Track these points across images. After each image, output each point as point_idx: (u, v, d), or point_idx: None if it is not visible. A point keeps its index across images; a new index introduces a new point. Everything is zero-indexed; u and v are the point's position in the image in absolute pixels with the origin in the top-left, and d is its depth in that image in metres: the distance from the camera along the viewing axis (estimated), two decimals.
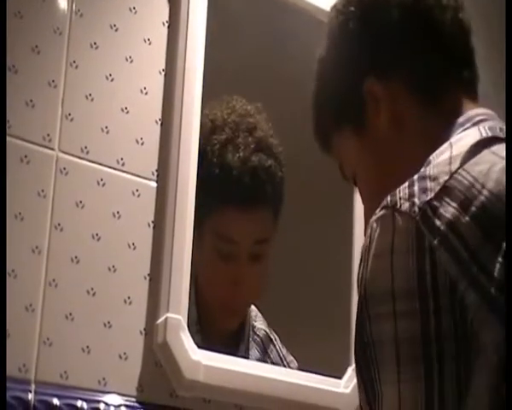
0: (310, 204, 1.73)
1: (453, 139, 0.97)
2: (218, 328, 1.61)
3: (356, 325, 0.89)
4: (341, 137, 1.12)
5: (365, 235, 0.90)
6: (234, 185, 1.57)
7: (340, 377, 1.62)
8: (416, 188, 0.87)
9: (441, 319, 0.82)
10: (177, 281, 1.43)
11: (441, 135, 1.00)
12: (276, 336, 1.68)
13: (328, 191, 1.69)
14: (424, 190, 0.86)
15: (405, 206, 0.86)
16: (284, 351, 1.67)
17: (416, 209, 0.85)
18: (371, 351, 0.86)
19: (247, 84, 1.75)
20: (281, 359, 1.68)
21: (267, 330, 1.67)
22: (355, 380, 1.61)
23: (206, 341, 1.53)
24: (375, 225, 0.88)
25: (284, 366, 1.66)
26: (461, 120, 1.02)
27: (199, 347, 1.45)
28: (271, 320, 1.71)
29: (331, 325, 1.74)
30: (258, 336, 1.66)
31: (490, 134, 0.95)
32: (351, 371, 1.63)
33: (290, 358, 1.69)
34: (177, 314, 1.42)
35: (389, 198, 0.88)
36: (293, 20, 1.78)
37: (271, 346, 1.66)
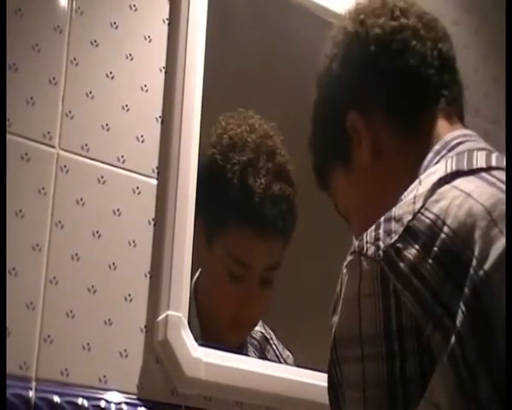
0: (309, 205, 1.73)
1: (422, 176, 0.98)
2: (221, 341, 1.61)
3: (328, 369, 0.91)
4: (333, 176, 1.15)
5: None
6: (254, 211, 1.56)
7: None
8: (381, 231, 0.89)
9: (406, 362, 0.83)
10: (177, 278, 1.43)
11: (419, 162, 1.03)
12: (272, 333, 1.68)
13: (325, 199, 1.69)
14: (389, 233, 0.88)
15: (371, 250, 0.88)
16: (280, 348, 1.67)
17: (381, 253, 0.87)
18: (342, 393, 0.89)
19: (248, 81, 1.75)
20: (277, 357, 1.68)
21: (263, 331, 1.67)
22: None
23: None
24: (344, 270, 0.90)
25: (281, 363, 1.66)
26: (437, 147, 1.04)
27: (199, 344, 1.45)
28: (271, 318, 1.71)
29: (328, 320, 1.74)
30: (255, 339, 1.66)
31: (454, 168, 0.96)
32: None
33: (286, 353, 1.70)
34: (177, 312, 1.42)
35: (357, 243, 0.90)
36: (294, 18, 1.78)
37: (268, 346, 1.67)
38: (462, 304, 0.83)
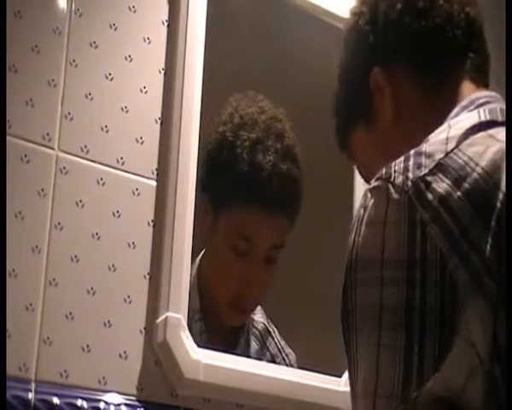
0: (311, 200, 1.73)
1: (452, 121, 0.98)
2: (222, 322, 1.61)
3: (342, 291, 0.89)
4: (355, 134, 1.15)
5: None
6: (263, 187, 1.58)
7: (340, 376, 1.62)
8: (410, 163, 0.89)
9: (426, 291, 0.83)
10: (177, 280, 1.43)
11: (443, 119, 1.01)
12: (275, 329, 1.69)
13: (328, 190, 1.70)
14: (419, 166, 0.88)
15: (399, 179, 0.87)
16: (282, 343, 1.68)
17: (410, 183, 0.86)
18: (353, 316, 0.87)
19: (247, 83, 1.75)
20: (279, 350, 1.68)
21: (266, 323, 1.68)
22: None
23: (206, 331, 1.53)
24: (369, 194, 0.90)
25: (283, 359, 1.66)
26: (464, 103, 1.03)
27: (198, 346, 1.45)
28: (272, 318, 1.71)
29: (331, 323, 1.74)
30: (256, 329, 1.67)
31: (488, 117, 0.96)
32: None
33: (288, 350, 1.70)
34: (177, 313, 1.42)
35: (384, 170, 0.90)
36: (293, 19, 1.78)
37: (270, 339, 1.67)
38: (489, 238, 0.83)
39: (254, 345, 1.66)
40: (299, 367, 1.62)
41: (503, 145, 0.89)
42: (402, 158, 0.90)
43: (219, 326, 1.60)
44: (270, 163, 1.58)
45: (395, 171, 0.89)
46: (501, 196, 0.85)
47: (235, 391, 1.47)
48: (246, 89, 1.73)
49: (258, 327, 1.67)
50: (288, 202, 1.62)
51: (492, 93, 1.05)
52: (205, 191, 1.59)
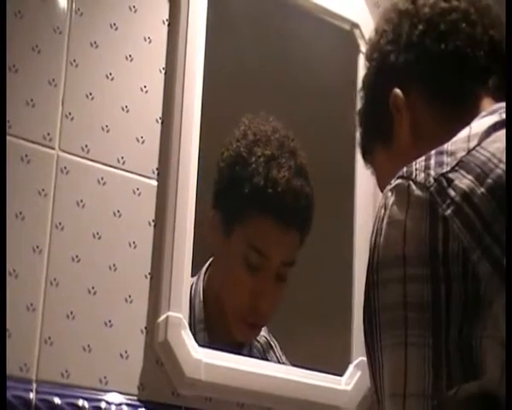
0: None
1: (473, 123, 0.98)
2: (231, 337, 1.60)
3: (365, 292, 0.89)
4: (376, 152, 1.16)
5: (379, 204, 0.91)
6: (277, 201, 1.59)
7: (341, 375, 1.63)
8: (432, 161, 0.89)
9: (451, 286, 0.83)
10: (177, 279, 1.43)
11: None
12: (276, 343, 1.68)
13: (328, 191, 1.70)
14: (440, 164, 0.88)
15: (421, 176, 0.87)
16: (284, 358, 1.67)
17: (432, 180, 0.86)
18: (377, 317, 0.87)
19: (247, 82, 1.74)
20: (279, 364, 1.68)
21: (267, 337, 1.67)
22: (356, 377, 1.63)
23: (209, 343, 1.52)
24: (389, 194, 0.90)
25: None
26: (484, 113, 1.03)
27: (200, 345, 1.45)
28: (272, 318, 1.70)
29: (332, 322, 1.74)
30: (258, 342, 1.66)
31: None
32: (351, 368, 1.63)
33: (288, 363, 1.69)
34: (178, 313, 1.42)
35: (405, 169, 0.90)
36: (294, 18, 1.77)
37: (271, 352, 1.66)
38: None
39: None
40: (300, 366, 1.62)
41: None
42: (423, 157, 0.90)
43: (223, 338, 1.59)
44: (285, 179, 1.60)
45: (416, 169, 0.89)
46: None
47: (236, 390, 1.47)
48: (246, 88, 1.73)
49: (260, 340, 1.67)
50: (301, 218, 1.64)
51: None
52: (216, 207, 1.62)
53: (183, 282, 1.44)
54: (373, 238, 0.89)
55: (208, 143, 1.53)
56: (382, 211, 0.89)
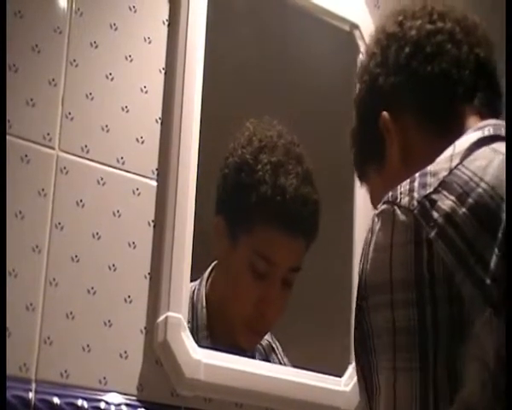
0: None
1: (458, 141, 0.99)
2: (235, 343, 1.60)
3: (355, 316, 0.91)
4: (369, 172, 1.18)
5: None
6: (286, 209, 1.58)
7: (340, 376, 1.63)
8: (416, 184, 0.90)
9: (437, 309, 0.84)
10: (177, 280, 1.43)
11: None
12: (278, 345, 1.68)
13: (328, 193, 1.69)
14: (424, 186, 0.89)
15: (405, 200, 0.89)
16: (286, 360, 1.67)
17: (415, 203, 0.88)
18: (371, 341, 0.88)
19: (247, 82, 1.75)
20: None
21: (270, 340, 1.67)
22: (355, 378, 1.62)
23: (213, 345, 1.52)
24: (376, 219, 0.91)
25: None
26: (470, 130, 1.04)
27: (199, 345, 1.45)
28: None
29: (331, 323, 1.74)
30: (260, 344, 1.66)
31: (492, 133, 0.98)
32: (351, 369, 1.63)
33: (280, 358, 1.69)
34: (177, 313, 1.42)
35: (390, 193, 0.91)
36: (294, 19, 1.78)
37: (273, 355, 1.66)
38: (496, 249, 0.84)
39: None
40: (300, 367, 1.62)
41: (505, 158, 0.90)
42: (408, 180, 0.92)
43: (226, 345, 1.58)
44: (293, 186, 1.59)
45: (401, 193, 0.90)
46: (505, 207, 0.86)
47: (235, 391, 1.47)
48: (246, 89, 1.73)
49: (263, 343, 1.67)
50: (309, 225, 1.63)
51: (501, 121, 1.06)
52: (221, 213, 1.61)
53: (183, 282, 1.44)
54: (361, 264, 0.91)
55: (208, 144, 1.53)
56: (369, 236, 0.91)
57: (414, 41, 1.12)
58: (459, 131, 1.05)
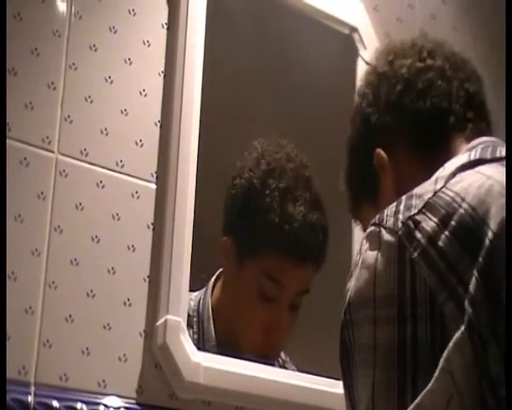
0: None
1: (446, 164, 1.01)
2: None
3: (340, 332, 0.92)
4: (363, 210, 1.19)
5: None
6: (294, 238, 1.56)
7: (339, 379, 1.62)
8: (401, 206, 0.92)
9: (417, 327, 0.85)
10: (176, 283, 1.43)
11: None
12: (287, 359, 1.67)
13: (326, 198, 1.69)
14: (409, 207, 0.91)
15: (390, 221, 0.91)
16: (288, 361, 1.67)
17: (400, 224, 0.90)
18: (352, 357, 0.90)
19: (247, 86, 1.75)
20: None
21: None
22: None
23: None
24: (364, 241, 0.93)
25: None
26: (460, 153, 1.07)
27: (198, 348, 1.45)
28: None
29: (330, 326, 1.74)
30: None
31: (477, 156, 1.00)
32: None
33: (292, 367, 1.69)
34: (176, 316, 1.42)
35: (378, 216, 0.93)
36: (293, 22, 1.78)
37: (275, 362, 1.66)
38: (475, 271, 0.85)
39: None
40: (299, 370, 1.62)
41: (488, 180, 0.92)
42: (395, 203, 0.94)
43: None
44: (301, 214, 1.57)
45: (387, 215, 0.92)
46: (490, 234, 0.87)
47: (235, 394, 1.47)
48: (245, 92, 1.73)
49: None
50: (317, 251, 1.62)
51: (487, 138, 1.09)
52: (228, 234, 1.60)
53: (182, 285, 1.44)
54: (348, 282, 0.93)
55: (207, 147, 1.53)
56: (358, 257, 0.93)
57: (405, 79, 1.15)
58: (450, 156, 1.06)
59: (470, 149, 1.04)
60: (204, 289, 1.60)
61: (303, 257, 1.59)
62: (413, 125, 1.13)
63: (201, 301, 1.59)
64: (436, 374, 0.83)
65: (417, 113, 1.13)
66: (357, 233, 1.70)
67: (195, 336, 1.51)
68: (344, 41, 1.82)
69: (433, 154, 1.11)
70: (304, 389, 1.56)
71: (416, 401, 0.83)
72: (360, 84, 1.22)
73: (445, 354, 0.83)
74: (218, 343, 1.56)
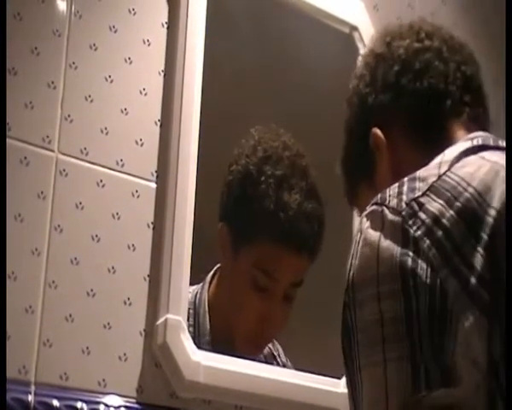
0: None
1: (447, 150, 1.01)
2: (235, 351, 1.60)
3: (342, 314, 0.92)
4: (360, 191, 1.19)
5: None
6: (288, 226, 1.56)
7: (339, 378, 1.62)
8: (405, 187, 0.93)
9: (419, 299, 0.85)
10: (176, 282, 1.43)
11: None
12: (280, 349, 1.67)
13: (327, 195, 1.69)
14: (412, 190, 0.92)
15: (393, 202, 0.91)
16: (288, 364, 1.67)
17: (403, 205, 0.90)
18: (355, 337, 0.89)
19: (247, 85, 1.75)
20: None
21: (271, 347, 1.66)
22: None
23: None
24: (365, 219, 0.93)
25: None
26: (459, 141, 1.06)
27: (198, 347, 1.45)
28: None
29: (331, 325, 1.74)
30: (262, 352, 1.65)
31: (480, 143, 1.01)
32: None
33: (291, 369, 1.69)
34: (176, 315, 1.42)
35: (379, 196, 0.93)
36: (294, 22, 1.78)
37: (274, 363, 1.66)
38: (480, 249, 0.86)
39: None
40: (299, 369, 1.62)
41: (495, 166, 0.93)
42: (396, 184, 0.94)
43: (228, 350, 1.57)
44: (297, 202, 1.57)
45: (390, 195, 0.92)
46: (493, 212, 0.88)
47: (235, 393, 1.47)
48: (245, 91, 1.73)
49: (264, 352, 1.66)
50: (312, 241, 1.61)
51: (487, 134, 1.08)
52: (224, 220, 1.60)
53: (182, 284, 1.44)
54: (349, 261, 0.92)
55: (207, 146, 1.53)
56: (358, 235, 0.93)
57: (402, 59, 1.15)
58: (448, 146, 1.06)
59: (471, 138, 1.04)
60: (201, 284, 1.61)
61: (298, 247, 1.58)
62: (410, 105, 1.13)
63: (198, 296, 1.59)
64: (460, 365, 0.83)
65: (414, 93, 1.13)
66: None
67: (191, 330, 1.51)
68: (344, 40, 1.82)
69: (429, 136, 1.11)
70: (304, 388, 1.56)
71: (444, 390, 0.83)
72: (357, 66, 1.22)
73: (460, 339, 0.83)
74: (212, 339, 1.56)
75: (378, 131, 1.13)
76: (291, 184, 1.58)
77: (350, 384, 0.91)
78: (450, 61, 1.14)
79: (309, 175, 1.62)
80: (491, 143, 1.01)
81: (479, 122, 1.12)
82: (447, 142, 1.07)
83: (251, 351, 1.62)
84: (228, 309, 1.60)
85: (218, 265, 1.64)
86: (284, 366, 1.66)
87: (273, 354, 1.67)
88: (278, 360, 1.67)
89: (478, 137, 1.04)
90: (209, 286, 1.62)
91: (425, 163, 1.05)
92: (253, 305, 1.58)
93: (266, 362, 1.63)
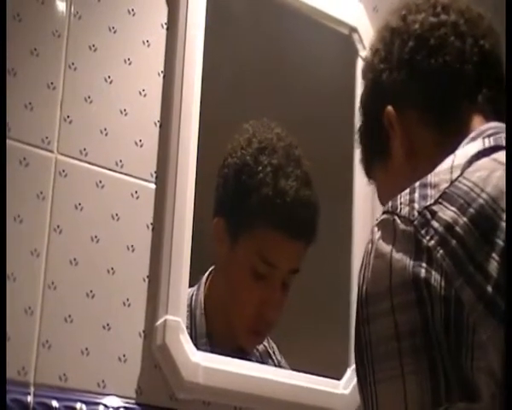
0: None
1: (458, 151, 0.99)
2: (238, 346, 1.60)
3: (355, 328, 0.91)
4: (375, 170, 1.17)
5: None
6: (286, 212, 1.59)
7: (339, 379, 1.63)
8: (416, 195, 0.90)
9: (434, 308, 0.84)
10: (176, 283, 1.43)
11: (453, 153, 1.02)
12: (275, 347, 1.68)
13: (326, 195, 1.69)
14: (424, 197, 0.89)
15: (405, 210, 0.89)
16: (282, 362, 1.67)
17: (416, 213, 0.88)
18: (369, 351, 0.88)
19: (246, 86, 1.75)
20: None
21: (266, 344, 1.67)
22: (354, 381, 1.62)
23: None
24: (376, 229, 0.91)
25: None
26: (472, 134, 1.04)
27: (197, 348, 1.45)
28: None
29: (330, 326, 1.74)
30: (257, 350, 1.66)
31: (492, 144, 0.98)
32: (350, 372, 1.63)
33: (287, 367, 1.69)
34: (176, 316, 1.42)
35: (390, 204, 0.91)
36: (293, 23, 1.78)
37: (269, 360, 1.66)
38: (495, 255, 0.84)
39: None
40: (298, 370, 1.61)
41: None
42: (407, 190, 0.92)
43: (227, 347, 1.58)
44: (293, 189, 1.60)
45: (401, 203, 0.90)
46: (504, 215, 0.86)
47: (234, 394, 1.47)
48: (244, 92, 1.73)
49: (259, 349, 1.67)
50: (309, 227, 1.64)
51: (501, 124, 1.06)
52: (220, 214, 1.61)
53: (181, 285, 1.44)
54: (361, 273, 0.91)
55: (207, 147, 1.53)
56: (370, 246, 0.91)
57: (417, 35, 1.11)
58: (461, 131, 1.05)
59: (483, 135, 1.01)
60: (197, 286, 1.61)
61: (295, 232, 1.61)
62: (423, 84, 1.10)
63: (194, 298, 1.59)
64: (480, 379, 0.82)
65: (428, 72, 1.10)
66: (357, 235, 1.71)
67: (188, 332, 1.51)
68: (343, 41, 1.82)
69: (443, 117, 1.09)
70: (304, 389, 1.56)
71: (465, 405, 0.82)
72: (373, 40, 1.19)
73: (478, 354, 0.82)
74: (210, 339, 1.57)
75: (391, 110, 1.11)
76: (287, 173, 1.61)
77: (363, 399, 0.89)
78: (467, 36, 1.11)
79: (303, 164, 1.65)
80: (503, 143, 0.98)
81: (495, 107, 1.09)
82: (461, 126, 1.06)
83: (252, 339, 1.63)
84: (226, 301, 1.61)
85: (212, 267, 1.65)
86: (279, 363, 1.66)
87: (268, 351, 1.67)
88: (273, 357, 1.67)
89: (490, 136, 1.01)
90: (204, 288, 1.62)
91: (438, 146, 1.04)
92: (253, 292, 1.59)
93: (262, 359, 1.64)
